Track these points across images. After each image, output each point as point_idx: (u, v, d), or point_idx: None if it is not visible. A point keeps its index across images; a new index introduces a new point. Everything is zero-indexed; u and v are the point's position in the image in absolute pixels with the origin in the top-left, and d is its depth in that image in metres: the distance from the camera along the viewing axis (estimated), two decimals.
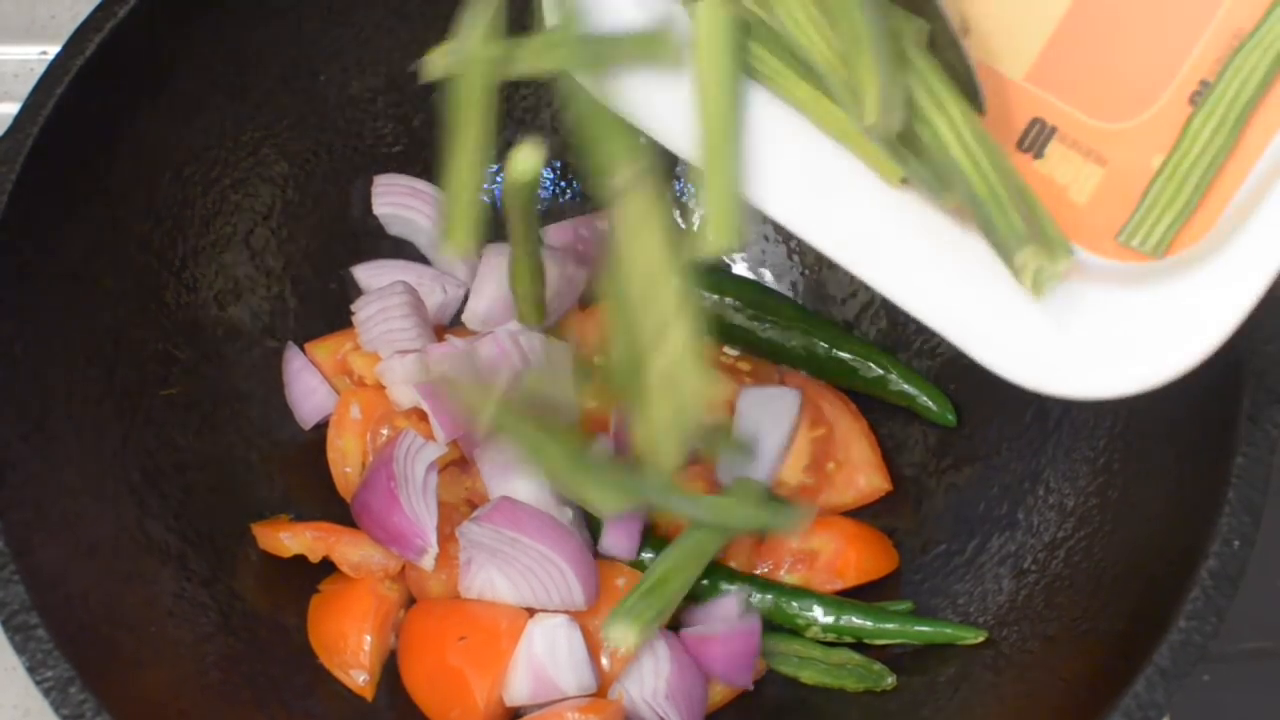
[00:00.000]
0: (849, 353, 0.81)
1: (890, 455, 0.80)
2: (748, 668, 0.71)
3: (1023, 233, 0.49)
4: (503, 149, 0.87)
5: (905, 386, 0.80)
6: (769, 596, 0.73)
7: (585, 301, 0.84)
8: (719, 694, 0.73)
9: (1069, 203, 0.53)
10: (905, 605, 0.74)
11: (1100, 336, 0.51)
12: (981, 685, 0.68)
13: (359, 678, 0.71)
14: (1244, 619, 0.72)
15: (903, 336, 0.82)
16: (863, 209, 0.54)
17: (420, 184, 0.84)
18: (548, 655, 0.68)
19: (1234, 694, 0.83)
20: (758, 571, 0.75)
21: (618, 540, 0.73)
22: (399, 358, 0.77)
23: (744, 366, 0.81)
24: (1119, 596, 0.64)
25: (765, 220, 0.87)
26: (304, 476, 0.76)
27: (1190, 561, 0.58)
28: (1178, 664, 0.56)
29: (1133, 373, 0.51)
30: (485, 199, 0.84)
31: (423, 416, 0.75)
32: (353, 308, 0.77)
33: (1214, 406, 0.62)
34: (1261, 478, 0.59)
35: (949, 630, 0.71)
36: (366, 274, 0.82)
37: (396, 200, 0.83)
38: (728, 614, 0.71)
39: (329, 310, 0.81)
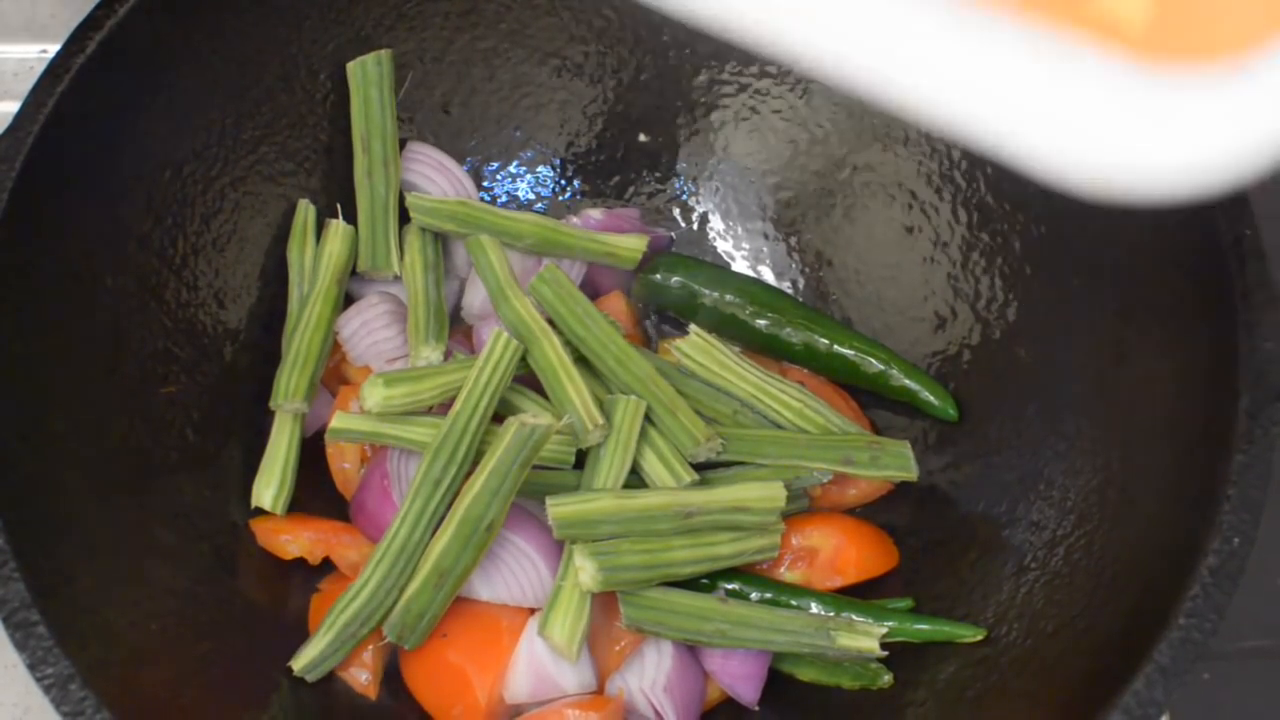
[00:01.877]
0: (849, 349, 0.81)
1: None
2: (757, 686, 0.71)
3: None
4: (511, 140, 0.88)
5: (907, 381, 0.80)
6: (768, 594, 0.73)
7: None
8: (716, 691, 0.73)
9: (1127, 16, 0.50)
10: (905, 603, 0.74)
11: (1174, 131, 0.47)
12: (981, 683, 0.68)
13: (361, 676, 0.71)
14: (1244, 617, 0.72)
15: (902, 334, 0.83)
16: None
17: (449, 161, 0.84)
18: (549, 653, 0.68)
19: (1234, 692, 0.83)
20: (757, 568, 0.75)
21: None
22: (390, 366, 0.78)
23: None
24: (1119, 594, 0.64)
25: (764, 218, 0.87)
26: (304, 473, 0.76)
27: (1190, 559, 0.58)
28: (1177, 661, 0.56)
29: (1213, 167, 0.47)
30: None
31: None
32: (336, 327, 0.78)
33: (1213, 403, 0.62)
34: (1261, 475, 0.59)
35: (948, 628, 0.71)
36: (355, 281, 0.82)
37: (422, 171, 0.83)
38: None
39: None
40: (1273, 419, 0.60)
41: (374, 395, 0.71)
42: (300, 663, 0.69)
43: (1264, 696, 0.84)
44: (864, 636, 0.69)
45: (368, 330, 0.78)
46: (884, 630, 0.70)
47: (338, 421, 0.72)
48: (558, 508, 0.68)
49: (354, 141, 0.81)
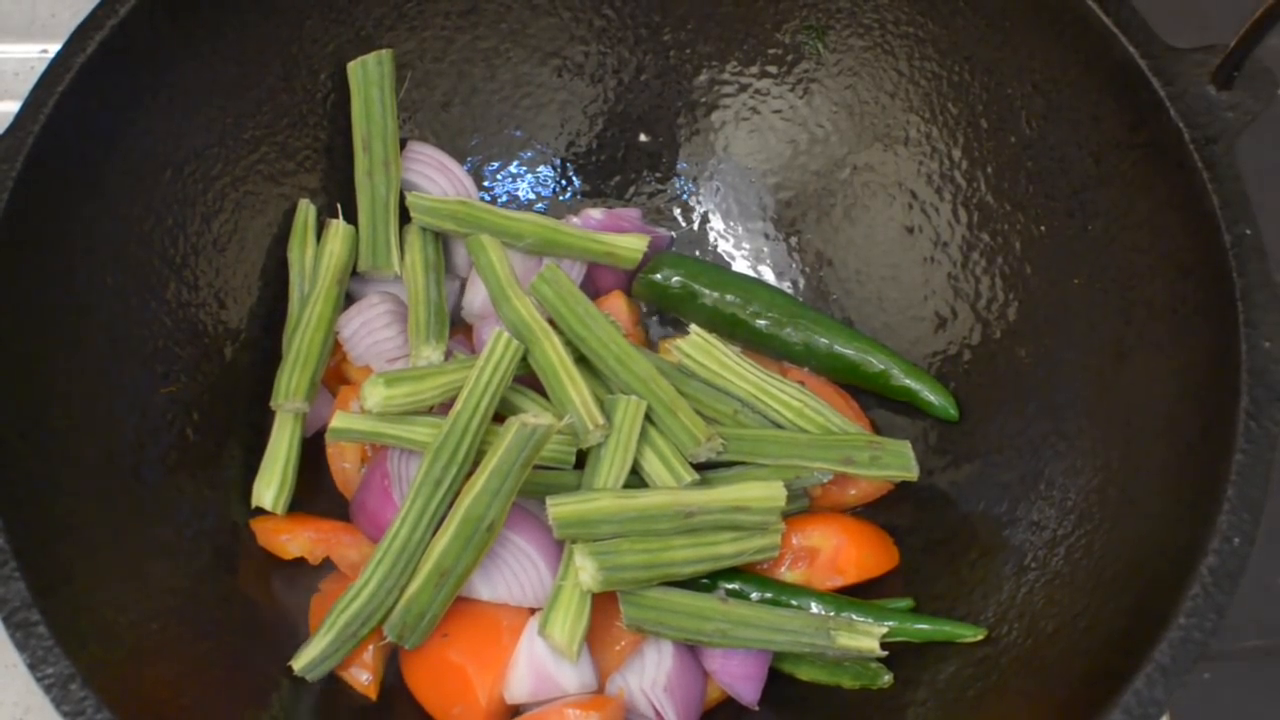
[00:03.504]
0: (850, 348, 0.81)
1: None
2: (758, 686, 0.71)
3: None
4: (509, 141, 0.88)
5: (908, 381, 0.80)
6: (768, 594, 0.73)
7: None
8: (717, 691, 0.73)
9: None
10: (905, 603, 0.74)
11: None
12: (981, 683, 0.68)
13: (362, 676, 0.71)
14: (1245, 617, 0.72)
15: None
16: None
17: (449, 161, 0.84)
18: (549, 653, 0.68)
19: (1234, 692, 0.83)
20: (758, 568, 0.75)
21: None
22: (390, 366, 0.78)
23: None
24: (1119, 593, 0.64)
25: (765, 218, 0.87)
26: (305, 473, 0.76)
27: (1190, 558, 0.58)
28: (1178, 661, 0.56)
29: None
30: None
31: None
32: (336, 327, 0.78)
33: (1214, 403, 0.62)
34: (1261, 475, 0.59)
35: (948, 628, 0.71)
36: (355, 281, 0.82)
37: (423, 170, 0.83)
38: None
39: None
40: (1273, 419, 0.60)
41: (375, 395, 0.71)
42: (300, 662, 0.69)
43: (1264, 696, 0.84)
44: (864, 636, 0.69)
45: (368, 330, 0.78)
46: (884, 630, 0.70)
47: (338, 421, 0.72)
48: (558, 507, 0.68)
49: (354, 141, 0.81)
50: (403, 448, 0.73)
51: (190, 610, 0.68)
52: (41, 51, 0.98)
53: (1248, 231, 0.63)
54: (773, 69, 0.85)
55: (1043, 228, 0.76)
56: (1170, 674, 0.56)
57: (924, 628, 0.71)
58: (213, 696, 0.66)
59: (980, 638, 0.70)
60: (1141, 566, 0.63)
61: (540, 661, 0.68)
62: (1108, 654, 0.61)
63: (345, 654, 0.69)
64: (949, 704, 0.69)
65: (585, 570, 0.67)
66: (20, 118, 0.66)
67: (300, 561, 0.74)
